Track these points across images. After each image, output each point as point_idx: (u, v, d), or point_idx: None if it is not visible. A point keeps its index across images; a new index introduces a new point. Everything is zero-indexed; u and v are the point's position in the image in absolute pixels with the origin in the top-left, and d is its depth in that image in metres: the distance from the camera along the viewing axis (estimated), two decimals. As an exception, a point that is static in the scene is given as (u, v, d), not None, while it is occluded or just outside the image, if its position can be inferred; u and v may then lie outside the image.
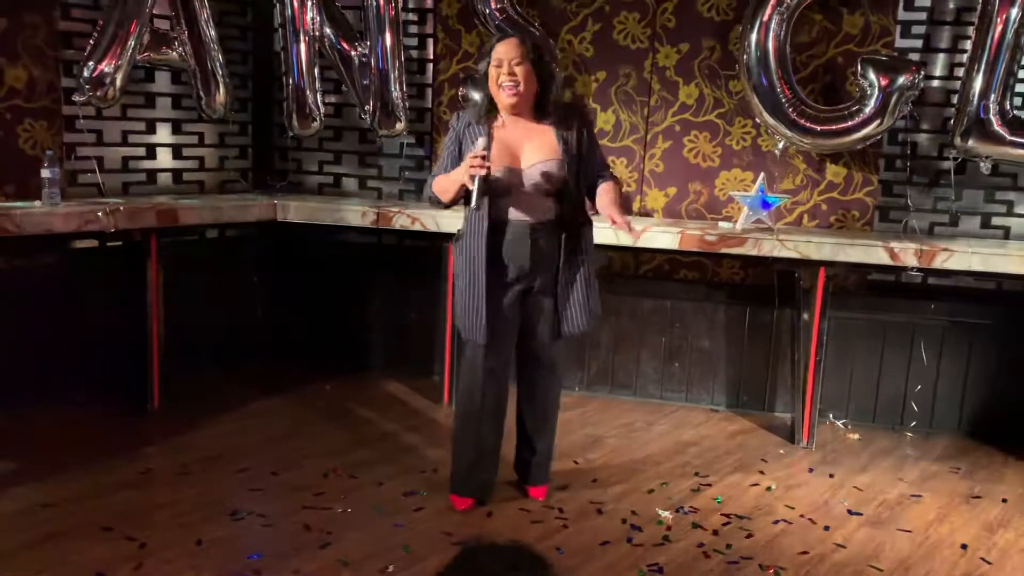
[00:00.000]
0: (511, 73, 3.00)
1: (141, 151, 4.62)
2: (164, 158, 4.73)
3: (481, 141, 2.97)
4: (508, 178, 3.06)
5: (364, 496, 3.37)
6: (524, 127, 3.10)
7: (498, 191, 3.05)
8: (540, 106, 3.10)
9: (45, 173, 3.89)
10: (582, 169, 3.13)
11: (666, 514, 3.33)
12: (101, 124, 4.41)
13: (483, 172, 2.91)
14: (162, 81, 4.65)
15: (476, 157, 2.90)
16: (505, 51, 3.02)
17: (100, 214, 3.86)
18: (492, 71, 3.04)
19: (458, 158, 3.11)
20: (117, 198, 4.30)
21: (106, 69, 4.04)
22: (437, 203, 3.16)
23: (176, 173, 4.80)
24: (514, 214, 3.09)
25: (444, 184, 3.09)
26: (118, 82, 4.10)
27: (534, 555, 1.33)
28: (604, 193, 3.09)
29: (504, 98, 3.03)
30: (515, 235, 3.09)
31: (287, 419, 4.23)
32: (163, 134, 4.70)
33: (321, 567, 2.82)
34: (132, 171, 4.59)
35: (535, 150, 3.08)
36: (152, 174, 4.68)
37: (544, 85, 3.08)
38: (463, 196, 3.06)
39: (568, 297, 3.18)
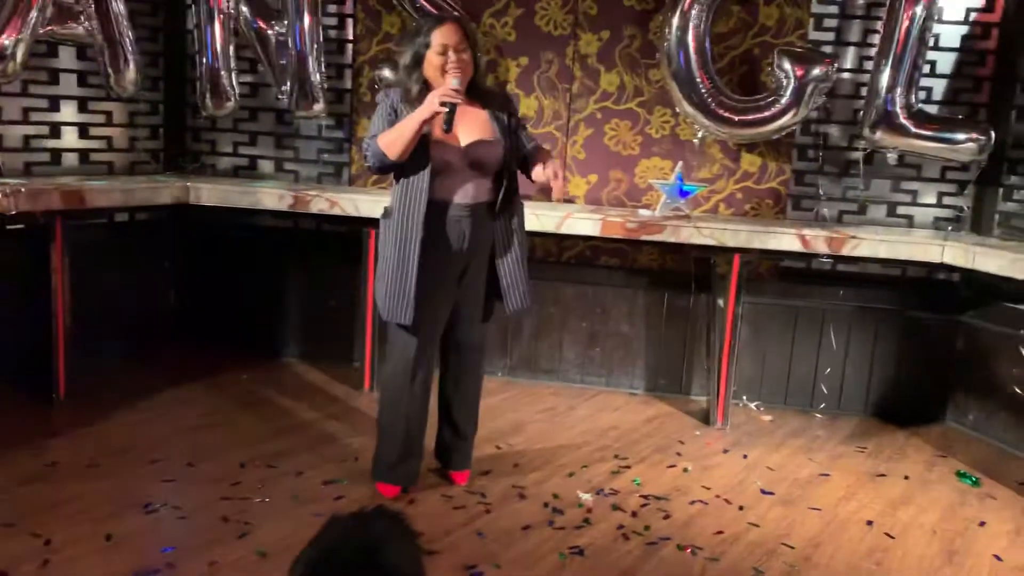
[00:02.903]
0: (458, 61, 2.99)
1: (44, 129, 4.40)
2: (69, 138, 4.52)
3: (455, 81, 2.96)
4: (446, 158, 3.04)
5: (283, 486, 3.31)
6: (460, 109, 3.07)
7: (436, 170, 3.03)
8: (472, 88, 3.10)
9: (-61, 151, 3.69)
10: (514, 147, 3.16)
11: (586, 497, 3.37)
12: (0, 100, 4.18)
13: (459, 100, 2.93)
14: (66, 57, 4.44)
15: (451, 89, 2.92)
16: (449, 37, 3.00)
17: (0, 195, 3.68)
18: (435, 57, 3.01)
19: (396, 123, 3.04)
20: (18, 178, 4.09)
21: (5, 42, 3.82)
22: (381, 161, 3.02)
23: (83, 153, 4.59)
24: (451, 195, 3.07)
25: (395, 134, 2.98)
26: (19, 56, 3.87)
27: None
28: (539, 152, 3.18)
29: (452, 80, 2.99)
30: (452, 216, 3.08)
31: (201, 409, 4.12)
32: (68, 112, 4.49)
33: (239, 558, 2.76)
34: (34, 150, 4.37)
35: (471, 130, 3.08)
36: (56, 154, 4.47)
37: (477, 68, 3.10)
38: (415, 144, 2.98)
39: (507, 276, 3.19)
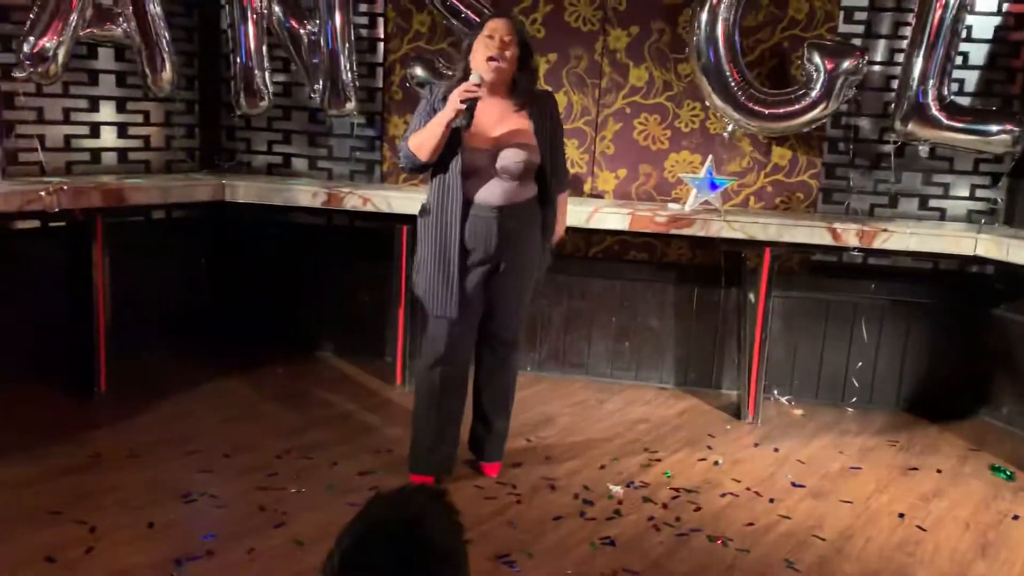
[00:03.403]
0: (501, 47, 3.05)
1: (84, 129, 4.51)
2: (108, 137, 4.62)
3: (475, 75, 3.01)
4: (475, 160, 3.08)
5: (318, 476, 3.37)
6: (499, 109, 3.12)
7: (467, 171, 3.07)
8: (516, 91, 3.14)
9: (-16, 151, 3.79)
10: (549, 157, 3.20)
11: (617, 489, 3.40)
12: (42, 101, 4.29)
13: (480, 95, 2.98)
14: (105, 58, 4.54)
15: (472, 84, 2.97)
16: (499, 26, 3.10)
17: (43, 193, 3.77)
18: (481, 42, 3.08)
19: None
20: (60, 177, 4.19)
21: (47, 44, 3.93)
22: (412, 162, 3.13)
23: (121, 152, 4.69)
24: (483, 196, 3.10)
25: (424, 135, 3.07)
26: (60, 58, 3.98)
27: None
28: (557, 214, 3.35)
29: (489, 68, 3.04)
30: (480, 216, 3.11)
31: (237, 401, 4.20)
32: (107, 112, 4.59)
33: (275, 546, 2.82)
34: (75, 150, 4.47)
35: (509, 134, 3.12)
36: (96, 153, 4.57)
37: (524, 72, 3.14)
38: (446, 141, 3.05)
39: (539, 269, 3.34)
